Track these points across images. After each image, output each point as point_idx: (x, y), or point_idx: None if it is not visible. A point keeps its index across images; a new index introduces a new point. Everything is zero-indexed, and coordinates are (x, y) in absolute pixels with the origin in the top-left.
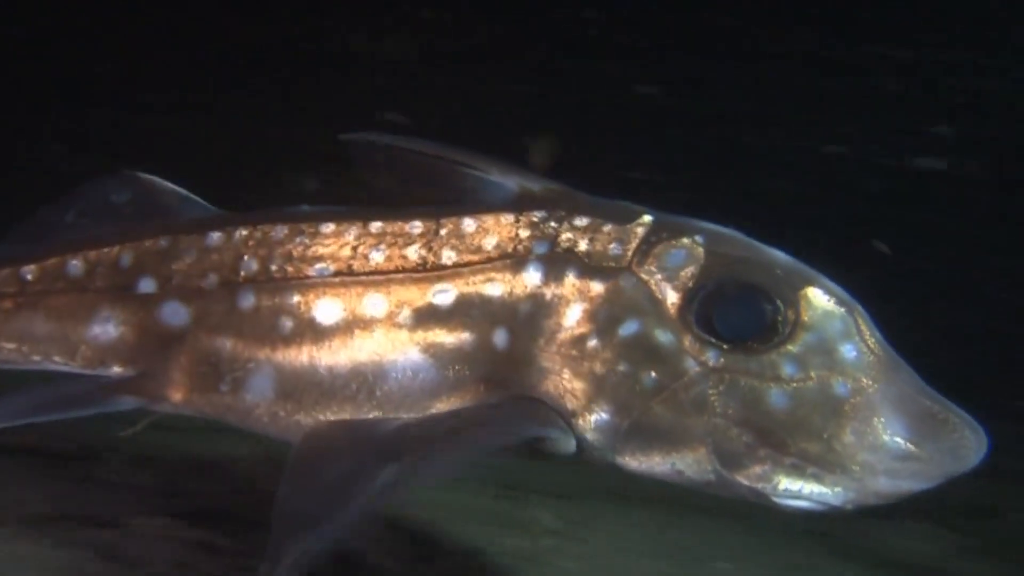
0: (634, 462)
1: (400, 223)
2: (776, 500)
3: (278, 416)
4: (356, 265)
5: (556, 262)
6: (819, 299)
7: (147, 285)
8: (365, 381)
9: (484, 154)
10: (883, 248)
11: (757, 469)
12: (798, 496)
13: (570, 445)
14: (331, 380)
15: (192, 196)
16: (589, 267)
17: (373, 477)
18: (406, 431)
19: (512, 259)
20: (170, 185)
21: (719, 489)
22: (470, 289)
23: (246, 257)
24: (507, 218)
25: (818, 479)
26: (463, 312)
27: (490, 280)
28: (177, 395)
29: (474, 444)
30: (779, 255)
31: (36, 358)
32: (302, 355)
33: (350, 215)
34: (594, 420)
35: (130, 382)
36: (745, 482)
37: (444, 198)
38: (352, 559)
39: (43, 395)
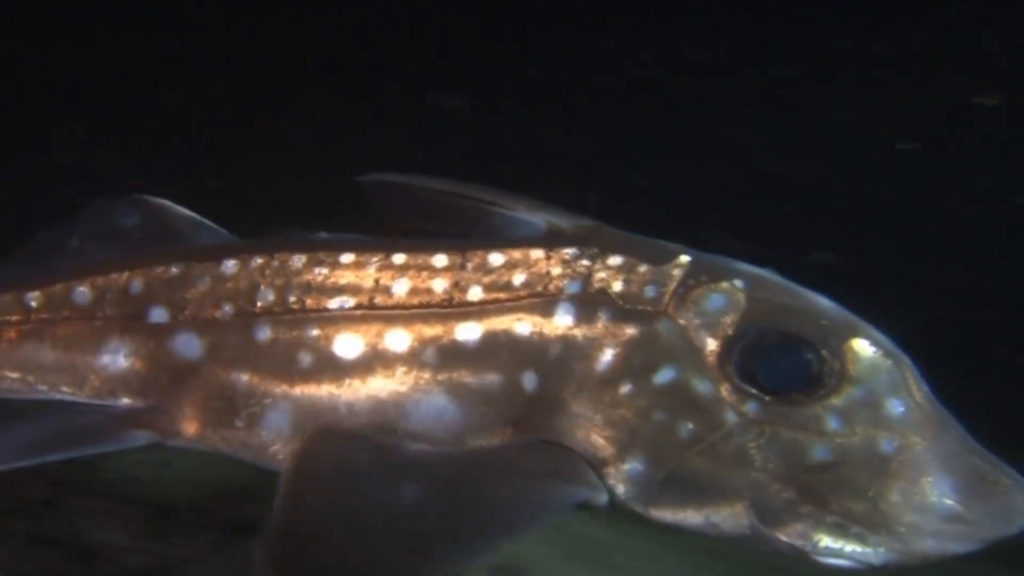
0: (668, 514)
1: (424, 255)
2: (816, 558)
3: None
4: (378, 298)
5: (589, 303)
6: (866, 351)
7: (159, 315)
8: (386, 421)
9: (508, 190)
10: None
11: (798, 526)
12: (839, 555)
13: (601, 499)
14: (350, 419)
15: (205, 221)
16: (623, 309)
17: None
18: (432, 459)
19: (542, 298)
20: (181, 210)
21: (755, 543)
22: (498, 328)
23: (262, 287)
24: (537, 254)
25: (861, 539)
26: (490, 352)
27: (519, 319)
28: (190, 430)
29: (501, 505)
30: (823, 302)
31: (42, 388)
32: (320, 391)
33: (371, 245)
34: (627, 470)
35: (141, 416)
36: (784, 539)
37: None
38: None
39: (50, 429)
